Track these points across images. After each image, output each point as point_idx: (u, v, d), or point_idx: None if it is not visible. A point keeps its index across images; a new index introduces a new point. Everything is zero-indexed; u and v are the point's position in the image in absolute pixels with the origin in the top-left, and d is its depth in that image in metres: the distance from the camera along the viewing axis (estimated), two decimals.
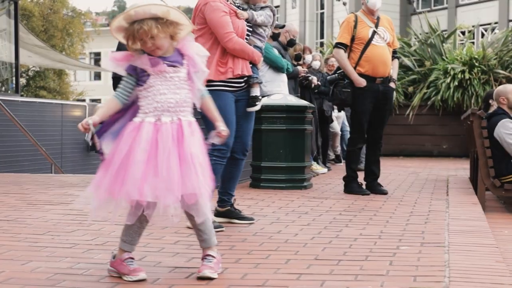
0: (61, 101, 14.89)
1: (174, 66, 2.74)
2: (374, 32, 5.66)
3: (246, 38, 4.08)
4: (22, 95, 12.84)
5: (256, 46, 4.16)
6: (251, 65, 4.09)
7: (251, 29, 4.16)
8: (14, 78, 11.79)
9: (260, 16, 4.15)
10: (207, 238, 2.82)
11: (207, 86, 3.91)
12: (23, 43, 12.28)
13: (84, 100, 29.26)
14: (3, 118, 9.35)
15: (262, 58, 4.20)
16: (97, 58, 42.23)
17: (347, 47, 5.69)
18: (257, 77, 4.11)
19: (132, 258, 2.80)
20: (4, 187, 5.99)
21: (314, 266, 2.96)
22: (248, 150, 4.23)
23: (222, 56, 3.97)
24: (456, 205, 5.05)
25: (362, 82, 5.60)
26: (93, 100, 35.99)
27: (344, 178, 5.87)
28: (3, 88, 11.72)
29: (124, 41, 2.78)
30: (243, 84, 4.07)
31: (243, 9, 4.16)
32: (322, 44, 30.12)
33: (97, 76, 42.26)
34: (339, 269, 2.89)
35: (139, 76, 2.74)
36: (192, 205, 2.70)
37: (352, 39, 5.66)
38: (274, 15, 4.23)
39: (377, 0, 5.69)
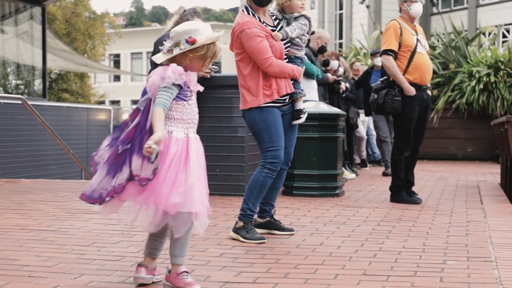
0: (87, 105, 15.04)
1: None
2: (417, 40, 5.63)
3: (286, 56, 4.14)
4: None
5: (296, 57, 4.19)
6: (292, 81, 4.15)
7: (290, 44, 4.19)
8: (36, 81, 11.94)
9: (294, 30, 4.17)
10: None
11: (255, 106, 4.03)
12: (49, 47, 12.41)
13: (104, 102, 29.46)
14: (31, 122, 9.47)
15: (302, 72, 4.20)
16: (116, 59, 42.53)
17: (396, 54, 5.62)
18: (300, 92, 4.18)
19: (187, 272, 2.85)
20: (40, 194, 6.07)
21: (364, 282, 2.96)
22: (291, 161, 4.31)
23: (266, 80, 4.05)
24: (493, 214, 5.03)
25: (413, 91, 5.56)
26: (113, 102, 36.23)
27: (391, 188, 5.81)
28: (26, 91, 11.86)
29: (168, 56, 2.85)
30: (287, 99, 4.15)
31: (278, 19, 4.18)
32: (341, 45, 30.04)
33: (116, 77, 42.55)
34: (390, 286, 2.90)
35: (182, 91, 2.84)
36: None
37: (399, 46, 5.59)
38: (309, 22, 4.23)
39: (421, 7, 5.66)
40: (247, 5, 4.10)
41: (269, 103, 4.04)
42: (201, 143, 2.89)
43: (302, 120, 4.19)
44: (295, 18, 4.21)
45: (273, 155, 4.00)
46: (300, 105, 4.17)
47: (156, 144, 2.63)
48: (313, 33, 6.84)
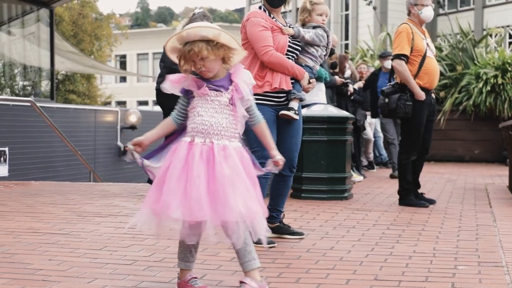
0: (94, 107, 15.09)
1: (216, 90, 2.78)
2: (427, 44, 5.63)
3: (289, 55, 4.07)
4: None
5: (306, 66, 4.16)
6: (293, 81, 4.06)
7: (300, 48, 4.17)
8: (43, 83, 12.02)
9: (308, 33, 4.15)
10: (243, 263, 2.78)
11: None
12: (56, 49, 12.48)
13: (110, 103, 29.52)
14: (39, 124, 9.52)
15: (307, 76, 4.11)
16: (122, 60, 42.62)
17: (407, 59, 5.60)
18: (295, 93, 4.05)
19: (196, 278, 2.86)
20: (50, 196, 6.10)
21: None
22: (295, 167, 4.19)
23: (261, 70, 3.99)
24: (502, 218, 5.03)
25: (423, 96, 5.56)
26: (119, 103, 36.29)
27: (399, 192, 5.80)
28: (33, 92, 11.93)
29: (177, 61, 2.83)
30: (283, 100, 4.04)
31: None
32: (347, 46, 30.01)
33: (123, 78, 42.63)
34: None
35: (189, 97, 2.82)
36: (227, 231, 2.69)
37: (410, 51, 5.56)
38: (328, 36, 4.21)
39: (432, 11, 5.65)
40: (261, 4, 4.12)
41: (261, 101, 3.94)
42: (216, 149, 2.72)
43: (289, 113, 3.97)
44: (314, 27, 4.22)
45: (260, 156, 3.83)
46: (293, 104, 4.01)
47: (133, 145, 2.74)
48: (332, 52, 6.91)
